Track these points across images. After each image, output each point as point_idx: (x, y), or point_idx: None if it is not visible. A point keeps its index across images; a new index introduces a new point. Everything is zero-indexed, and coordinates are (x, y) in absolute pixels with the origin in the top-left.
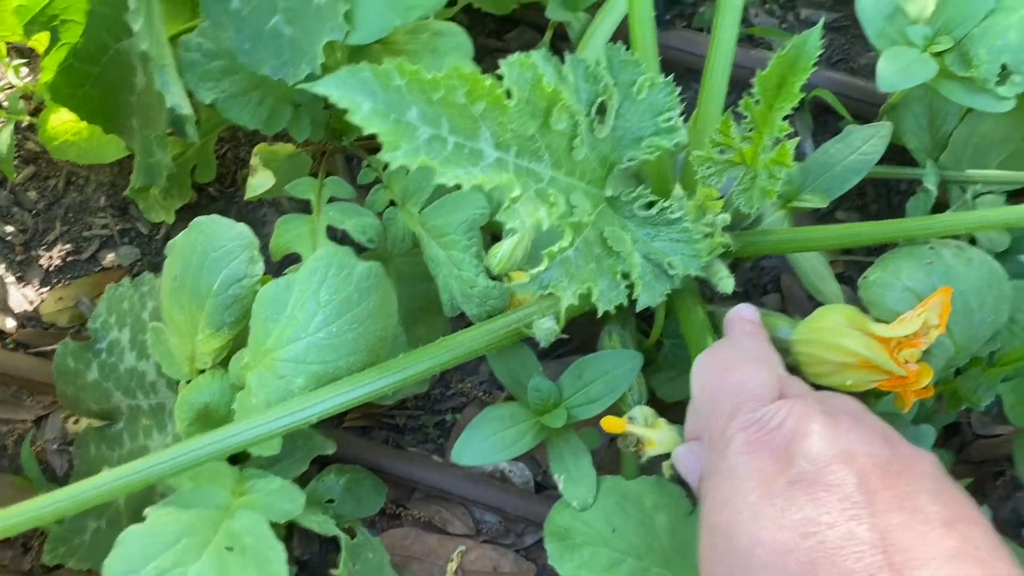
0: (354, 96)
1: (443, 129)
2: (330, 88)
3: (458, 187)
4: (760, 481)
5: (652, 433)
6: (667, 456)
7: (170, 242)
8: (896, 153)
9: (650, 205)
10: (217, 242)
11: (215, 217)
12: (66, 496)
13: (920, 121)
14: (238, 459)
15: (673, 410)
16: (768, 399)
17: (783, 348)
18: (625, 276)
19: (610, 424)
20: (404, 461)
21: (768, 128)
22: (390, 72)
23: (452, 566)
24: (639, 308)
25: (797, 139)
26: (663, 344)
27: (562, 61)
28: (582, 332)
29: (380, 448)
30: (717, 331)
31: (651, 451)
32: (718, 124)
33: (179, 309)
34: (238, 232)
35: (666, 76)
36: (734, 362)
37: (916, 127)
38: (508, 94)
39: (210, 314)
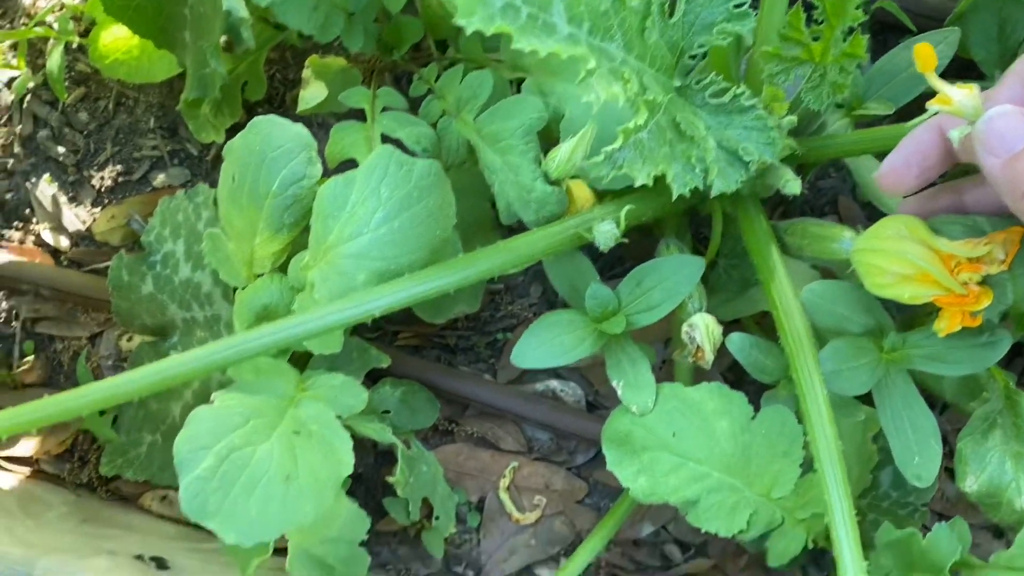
0: None
1: None
2: None
3: (518, 89)
4: None
5: (953, 91)
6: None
7: (228, 144)
8: (963, 67)
9: (721, 93)
10: (275, 142)
11: (272, 117)
12: (127, 381)
13: (989, 31)
14: (298, 364)
15: (727, 331)
16: None
17: (844, 259)
18: (700, 160)
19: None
20: (457, 378)
21: (841, 18)
22: None
23: (504, 482)
24: (714, 194)
25: (868, 35)
26: (718, 264)
27: None
28: (636, 251)
29: (433, 366)
30: (780, 243)
31: (946, 109)
32: (786, 18)
33: (237, 211)
34: (296, 133)
35: None
36: None
37: (984, 37)
38: None
39: (269, 215)
